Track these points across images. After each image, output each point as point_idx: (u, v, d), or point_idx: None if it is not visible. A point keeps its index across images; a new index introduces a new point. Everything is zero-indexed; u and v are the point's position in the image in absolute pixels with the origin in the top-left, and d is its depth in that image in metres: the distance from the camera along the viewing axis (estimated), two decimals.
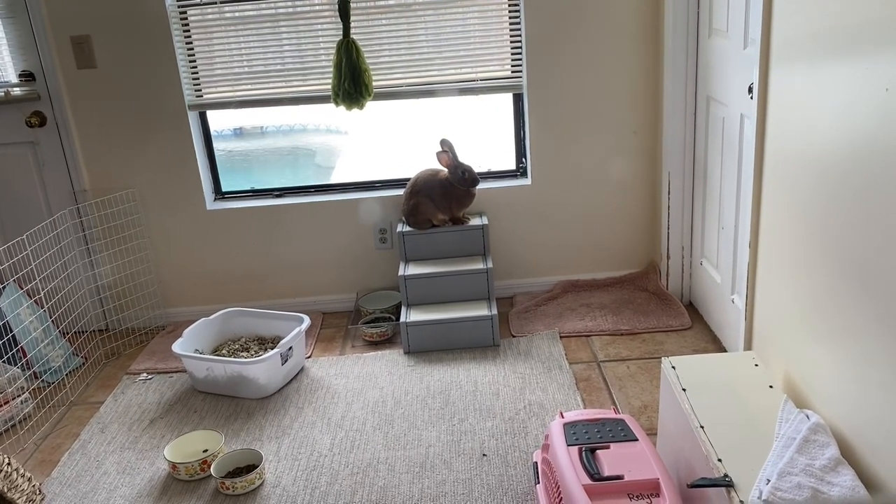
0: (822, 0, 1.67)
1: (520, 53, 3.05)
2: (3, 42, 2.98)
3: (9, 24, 2.94)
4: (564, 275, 3.33)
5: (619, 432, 1.79)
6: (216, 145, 3.26)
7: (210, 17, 3.00)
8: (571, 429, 1.82)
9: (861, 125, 1.53)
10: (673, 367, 1.98)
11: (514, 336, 2.96)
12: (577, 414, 1.91)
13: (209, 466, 2.25)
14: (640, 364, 2.69)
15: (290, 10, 2.99)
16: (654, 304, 3.08)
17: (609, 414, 1.90)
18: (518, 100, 3.17)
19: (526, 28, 2.97)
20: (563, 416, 1.90)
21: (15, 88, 3.02)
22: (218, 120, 3.43)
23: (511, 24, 3.02)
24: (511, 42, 3.04)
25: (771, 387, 1.88)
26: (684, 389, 1.88)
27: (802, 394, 1.87)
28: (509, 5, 3.00)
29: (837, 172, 1.64)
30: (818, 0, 1.69)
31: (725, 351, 2.69)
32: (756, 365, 1.98)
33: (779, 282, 2.02)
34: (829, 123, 1.67)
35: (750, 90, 2.20)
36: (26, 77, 3.00)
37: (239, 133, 4.46)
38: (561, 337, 2.91)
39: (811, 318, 1.82)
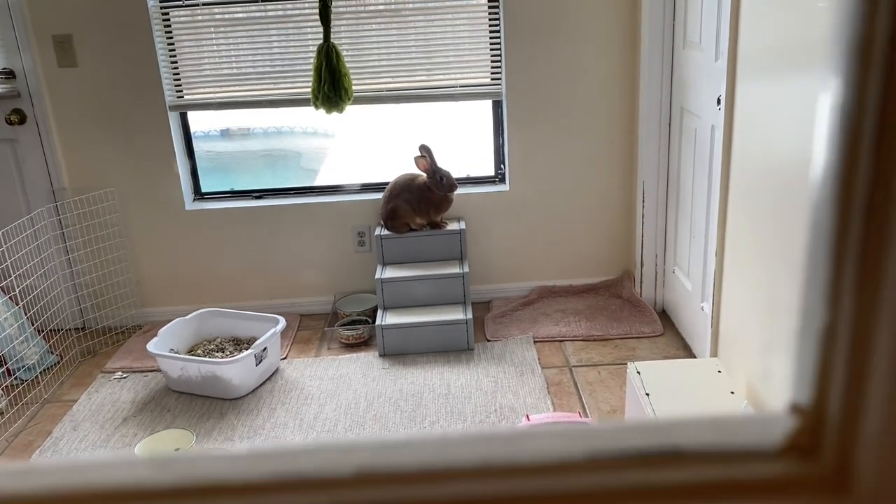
0: (783, 16, 1.71)
1: (499, 61, 3.09)
2: None
3: None
4: (541, 280, 3.36)
5: None
6: (202, 146, 3.28)
7: (199, 18, 3.03)
8: None
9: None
10: (638, 373, 2.02)
11: (488, 340, 2.98)
12: (543, 417, 1.94)
13: None
14: (610, 369, 2.72)
15: (280, 13, 3.02)
16: (628, 310, 3.12)
17: (574, 417, 1.93)
18: (497, 107, 3.21)
19: (505, 37, 3.01)
20: (529, 419, 1.93)
21: None
22: (204, 121, 3.45)
23: (491, 32, 3.06)
24: (491, 50, 3.08)
25: (732, 393, 1.92)
26: (647, 394, 1.91)
27: (763, 401, 1.91)
28: (489, 14, 3.04)
29: (794, 185, 1.69)
30: (780, 16, 1.73)
31: (695, 358, 2.73)
32: (719, 371, 2.02)
33: (743, 290, 2.06)
34: (786, 137, 1.72)
35: (719, 102, 2.24)
36: (7, 75, 3.01)
37: (226, 134, 4.48)
38: (535, 342, 2.95)
39: (772, 326, 1.86)
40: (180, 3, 3.00)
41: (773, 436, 0.29)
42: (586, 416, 2.39)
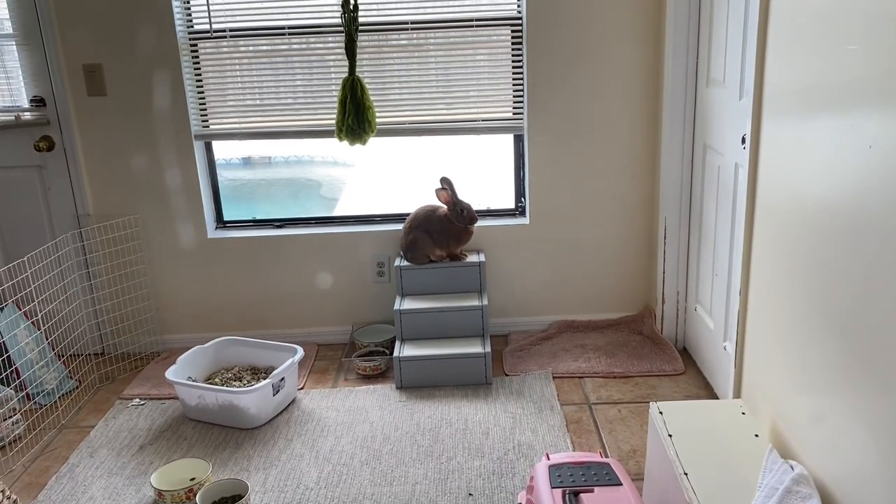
0: (811, 57, 1.71)
1: (521, 95, 3.10)
2: (17, 67, 3.05)
3: (23, 50, 3.02)
4: (560, 315, 3.34)
5: (603, 476, 1.79)
6: (224, 174, 3.31)
7: (225, 50, 3.08)
8: (556, 471, 1.82)
9: (844, 181, 1.56)
10: (660, 413, 1.99)
11: (507, 375, 2.96)
12: (563, 456, 1.91)
13: (195, 495, 2.24)
14: (631, 408, 2.68)
15: (304, 46, 3.06)
16: (649, 347, 3.09)
17: (595, 457, 1.89)
18: (518, 141, 3.22)
19: (528, 72, 3.03)
20: (549, 458, 1.89)
21: (26, 113, 3.09)
22: (226, 149, 3.49)
23: (514, 67, 3.08)
24: (514, 84, 3.10)
25: (757, 436, 1.88)
26: (670, 435, 1.88)
27: (788, 444, 1.87)
28: (512, 50, 3.06)
29: (822, 226, 1.67)
30: (807, 56, 1.73)
31: (717, 398, 2.68)
32: (743, 413, 1.98)
33: (768, 330, 2.03)
34: (814, 177, 1.70)
35: (743, 140, 2.24)
36: (37, 102, 3.07)
37: (247, 162, 4.53)
38: (554, 377, 2.91)
39: (798, 368, 1.83)
40: (208, 35, 3.05)
41: None
42: (607, 455, 2.35)
